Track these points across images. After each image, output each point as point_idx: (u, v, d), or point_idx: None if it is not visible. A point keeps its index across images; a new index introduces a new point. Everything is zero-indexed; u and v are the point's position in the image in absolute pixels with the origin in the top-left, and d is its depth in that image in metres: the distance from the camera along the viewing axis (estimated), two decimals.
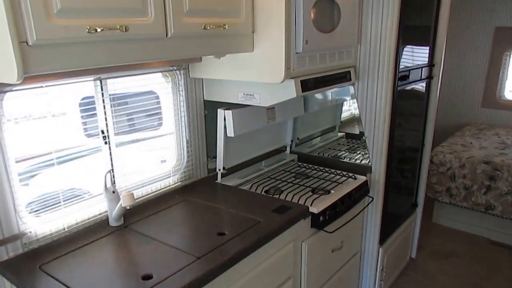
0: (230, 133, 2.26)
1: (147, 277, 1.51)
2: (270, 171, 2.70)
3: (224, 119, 2.25)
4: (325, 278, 2.44)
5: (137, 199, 2.12)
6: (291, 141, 2.95)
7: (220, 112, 2.25)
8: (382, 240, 2.85)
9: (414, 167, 3.27)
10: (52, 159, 1.77)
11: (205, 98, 2.33)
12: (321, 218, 2.17)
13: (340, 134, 3.37)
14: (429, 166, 3.91)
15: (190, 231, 1.86)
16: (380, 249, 2.84)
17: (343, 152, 2.98)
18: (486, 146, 4.07)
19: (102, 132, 1.93)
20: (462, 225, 4.10)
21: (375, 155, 2.62)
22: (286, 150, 2.98)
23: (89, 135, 1.96)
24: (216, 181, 2.44)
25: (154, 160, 2.25)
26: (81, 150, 1.92)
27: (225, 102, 2.29)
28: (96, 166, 1.97)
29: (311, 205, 2.15)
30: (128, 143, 2.09)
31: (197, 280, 1.49)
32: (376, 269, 2.89)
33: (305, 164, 2.83)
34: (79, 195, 1.92)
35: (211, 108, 2.36)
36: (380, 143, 2.59)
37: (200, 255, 1.64)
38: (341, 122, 3.41)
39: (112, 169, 1.99)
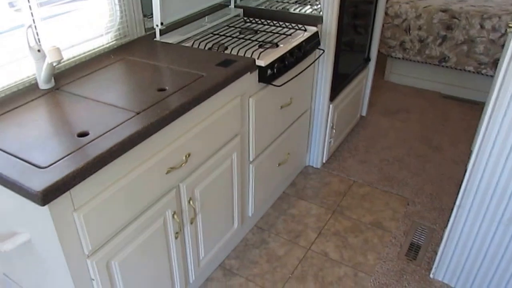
0: None
1: (83, 134, 1.47)
2: (213, 27, 2.60)
3: None
4: (274, 136, 2.50)
5: (67, 60, 2.02)
6: None
7: None
8: (333, 96, 2.89)
9: (368, 22, 3.24)
10: None
11: None
12: (268, 71, 2.16)
13: None
14: (383, 20, 3.90)
15: (127, 89, 1.80)
16: (330, 106, 2.90)
17: (292, 4, 2.90)
18: None
19: None
20: (414, 81, 4.21)
21: (327, 3, 2.56)
22: (230, 5, 2.86)
23: None
24: (155, 39, 2.34)
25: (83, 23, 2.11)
26: None
27: None
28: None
29: (258, 58, 2.12)
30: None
31: (137, 133, 1.48)
32: (326, 126, 2.97)
33: (251, 19, 2.74)
34: None
35: None
36: None
37: (139, 111, 1.61)
38: None
39: (35, 26, 1.85)
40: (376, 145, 3.39)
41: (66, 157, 1.35)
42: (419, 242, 2.54)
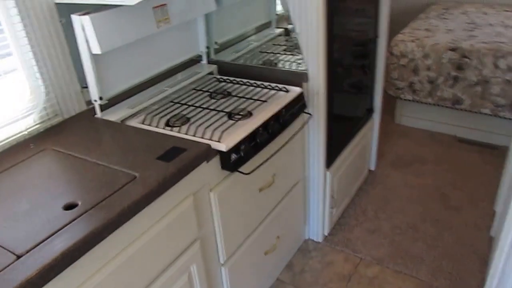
0: (95, 49, 1.58)
1: None
2: (176, 92, 2.05)
3: (83, 30, 1.56)
4: (253, 225, 1.91)
5: None
6: (207, 48, 2.27)
7: (75, 19, 1.55)
8: (329, 162, 2.30)
9: (370, 64, 2.65)
10: None
11: (55, 0, 1.61)
12: (233, 156, 1.58)
13: (278, 31, 2.74)
14: (389, 59, 3.32)
15: (24, 206, 1.24)
16: (327, 174, 2.30)
17: (279, 54, 2.35)
18: (453, 29, 3.44)
19: None
20: (428, 123, 3.59)
21: (311, 57, 1.98)
22: (202, 60, 2.30)
23: None
24: (96, 115, 1.79)
25: None
26: None
27: (87, 4, 1.59)
28: None
29: (219, 140, 1.55)
30: None
31: None
32: (324, 196, 2.37)
33: (225, 78, 2.18)
34: None
35: (69, 14, 1.63)
36: (315, 38, 1.93)
37: (21, 252, 1.05)
38: (277, 15, 2.77)
39: None
40: (387, 208, 2.76)
41: None
42: None
